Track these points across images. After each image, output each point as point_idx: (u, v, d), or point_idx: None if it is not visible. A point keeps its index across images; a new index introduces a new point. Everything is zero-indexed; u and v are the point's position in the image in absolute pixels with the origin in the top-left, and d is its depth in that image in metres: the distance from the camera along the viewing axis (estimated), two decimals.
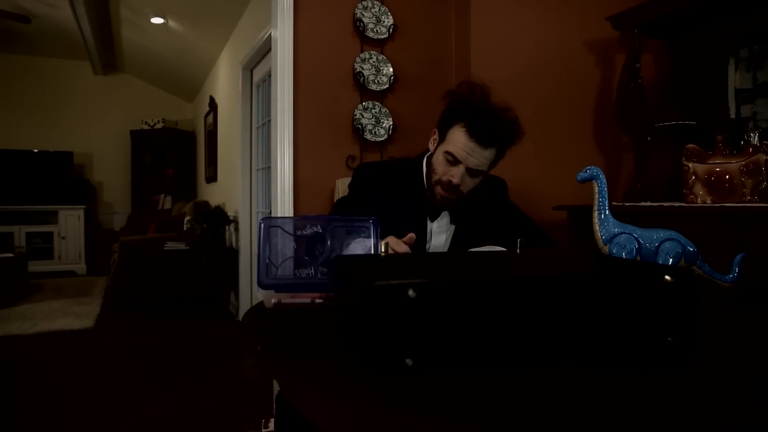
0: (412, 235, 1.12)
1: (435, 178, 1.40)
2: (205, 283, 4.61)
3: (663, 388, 0.52)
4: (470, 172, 1.36)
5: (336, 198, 2.18)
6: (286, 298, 0.89)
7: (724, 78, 2.08)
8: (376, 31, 2.34)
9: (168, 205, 6.79)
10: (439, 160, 1.39)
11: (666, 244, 0.95)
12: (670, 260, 0.95)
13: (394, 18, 2.37)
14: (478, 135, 1.32)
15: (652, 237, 0.96)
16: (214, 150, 5.52)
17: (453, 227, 1.48)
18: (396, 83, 2.37)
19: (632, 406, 0.48)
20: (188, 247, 4.55)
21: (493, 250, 1.19)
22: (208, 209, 4.78)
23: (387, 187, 1.47)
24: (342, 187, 2.08)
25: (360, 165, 1.61)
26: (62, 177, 6.53)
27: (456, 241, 1.47)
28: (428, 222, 1.46)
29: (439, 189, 1.40)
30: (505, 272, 0.71)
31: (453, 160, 1.35)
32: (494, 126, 1.32)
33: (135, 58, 6.26)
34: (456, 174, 1.35)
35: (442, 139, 1.40)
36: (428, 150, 1.49)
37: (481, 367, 0.56)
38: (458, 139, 1.34)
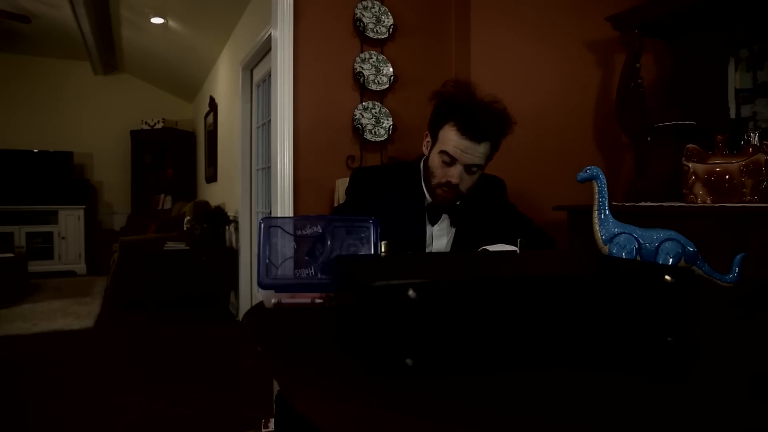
0: None
1: (434, 181, 1.39)
2: (205, 283, 4.61)
3: (663, 389, 0.52)
4: (467, 169, 1.36)
5: (336, 198, 2.18)
6: (286, 298, 0.89)
7: (724, 78, 2.08)
8: (376, 31, 2.34)
9: (168, 205, 6.78)
10: (435, 162, 1.38)
11: (666, 244, 0.95)
12: (670, 260, 0.95)
13: (394, 18, 2.37)
14: (469, 131, 1.31)
15: (652, 237, 0.96)
16: (214, 150, 5.52)
17: (454, 230, 1.48)
18: (396, 83, 2.37)
19: (633, 406, 0.48)
20: (188, 247, 4.55)
21: (505, 248, 1.18)
22: (208, 209, 4.77)
23: (385, 191, 1.46)
24: (342, 187, 2.08)
25: (356, 170, 1.61)
26: (62, 177, 6.53)
27: (457, 243, 1.46)
28: (429, 226, 1.46)
29: (440, 191, 1.39)
30: (505, 272, 0.71)
31: (449, 160, 1.35)
32: (484, 120, 1.32)
33: (135, 58, 6.26)
34: (454, 174, 1.35)
35: (434, 140, 1.40)
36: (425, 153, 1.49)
37: (481, 368, 0.56)
38: (451, 138, 1.34)
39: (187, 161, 7.02)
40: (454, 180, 1.35)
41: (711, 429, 0.44)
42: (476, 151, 1.33)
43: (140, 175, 7.09)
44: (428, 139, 1.43)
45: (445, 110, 1.37)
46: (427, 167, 1.43)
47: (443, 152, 1.35)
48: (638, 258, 0.96)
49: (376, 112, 2.34)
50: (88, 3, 4.42)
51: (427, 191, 1.44)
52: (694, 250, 0.96)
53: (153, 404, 2.45)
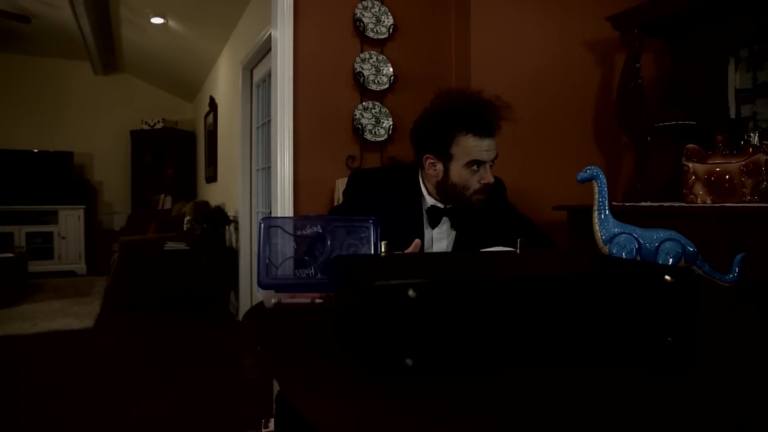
0: (417, 241, 1.12)
1: (470, 192, 1.39)
2: (205, 283, 4.61)
3: (663, 388, 0.52)
4: (491, 163, 1.41)
5: (336, 198, 2.18)
6: (286, 298, 0.89)
7: (724, 78, 2.08)
8: (376, 31, 2.34)
9: (168, 205, 6.79)
10: (463, 175, 1.38)
11: (666, 244, 0.95)
12: (670, 260, 0.95)
13: (394, 18, 2.37)
14: (484, 130, 1.35)
15: (652, 237, 0.96)
16: (214, 150, 5.52)
17: (454, 233, 1.47)
18: (396, 83, 2.37)
19: (633, 406, 0.48)
20: (188, 247, 4.55)
21: (503, 250, 1.19)
22: (208, 209, 4.77)
23: (383, 194, 1.46)
24: (342, 187, 2.08)
25: (354, 172, 1.60)
26: (62, 177, 6.53)
27: (458, 246, 1.46)
28: (429, 229, 1.46)
29: (476, 197, 1.40)
30: (505, 272, 0.71)
31: (479, 165, 1.37)
32: (489, 113, 1.36)
33: (135, 58, 6.26)
34: (488, 174, 1.38)
35: (447, 158, 1.39)
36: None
37: (481, 368, 0.56)
38: (472, 145, 1.35)
39: (187, 161, 7.02)
40: (492, 179, 1.39)
41: (711, 428, 0.44)
42: (493, 144, 1.39)
43: (140, 175, 7.09)
44: (432, 160, 1.42)
45: (447, 127, 1.37)
46: (447, 187, 1.41)
47: (471, 162, 1.36)
48: (638, 258, 0.96)
49: (376, 112, 2.34)
50: (88, 3, 4.42)
51: (462, 202, 1.43)
52: (694, 250, 0.96)
53: (153, 404, 2.45)
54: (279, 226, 0.92)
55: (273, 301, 0.89)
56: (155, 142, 6.99)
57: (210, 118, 5.69)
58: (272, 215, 2.39)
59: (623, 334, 0.60)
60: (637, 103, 2.07)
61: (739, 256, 0.98)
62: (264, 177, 3.71)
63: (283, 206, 2.22)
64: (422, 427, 0.44)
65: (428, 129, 1.41)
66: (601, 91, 2.44)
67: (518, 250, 0.95)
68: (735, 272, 0.98)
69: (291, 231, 0.92)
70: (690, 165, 1.76)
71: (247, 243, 4.02)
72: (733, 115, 2.06)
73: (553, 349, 0.59)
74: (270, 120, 2.71)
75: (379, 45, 2.36)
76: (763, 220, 1.50)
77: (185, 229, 4.77)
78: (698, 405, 0.49)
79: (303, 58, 2.24)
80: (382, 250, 0.87)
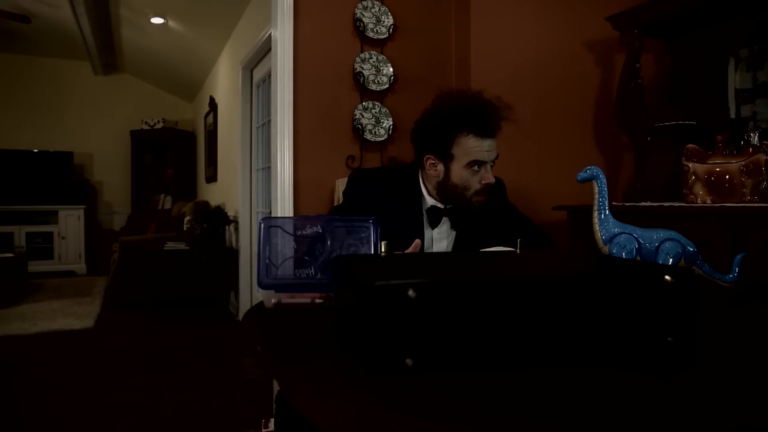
0: (417, 241, 1.12)
1: (470, 192, 1.39)
2: (205, 283, 4.61)
3: (663, 388, 0.52)
4: (492, 163, 1.40)
5: (336, 198, 2.18)
6: (286, 298, 0.89)
7: (724, 78, 2.08)
8: (376, 31, 2.34)
9: (168, 205, 6.78)
10: (464, 175, 1.38)
11: (666, 244, 0.95)
12: (670, 260, 0.95)
13: (394, 18, 2.37)
14: (485, 130, 1.35)
15: (652, 237, 0.96)
16: (214, 150, 5.52)
17: (454, 233, 1.47)
18: (396, 83, 2.37)
19: (633, 406, 0.48)
20: (188, 247, 4.55)
21: (503, 250, 1.19)
22: (208, 209, 4.77)
23: (383, 195, 1.46)
24: (342, 187, 2.08)
25: (354, 172, 1.60)
26: (62, 177, 6.53)
27: (458, 246, 1.46)
28: (429, 229, 1.46)
29: (476, 198, 1.40)
30: (505, 272, 0.71)
31: (479, 165, 1.37)
32: (490, 114, 1.36)
33: (135, 58, 6.26)
34: (489, 175, 1.38)
35: (448, 158, 1.39)
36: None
37: (481, 367, 0.56)
38: (472, 145, 1.35)
39: (187, 161, 7.02)
40: (492, 180, 1.39)
41: (711, 428, 0.44)
42: (494, 145, 1.38)
43: (140, 175, 7.09)
44: (433, 160, 1.41)
45: (447, 126, 1.37)
46: (447, 187, 1.41)
47: (471, 162, 1.36)
48: (638, 258, 0.96)
49: (376, 112, 2.34)
50: (88, 3, 4.42)
51: (462, 203, 1.42)
52: (694, 250, 0.96)
53: (153, 404, 2.45)
54: (279, 226, 0.92)
55: (273, 301, 0.89)
56: (155, 142, 6.99)
57: (210, 118, 5.69)
58: (272, 215, 2.39)
59: (623, 334, 0.60)
60: (637, 103, 2.07)
61: (739, 256, 0.98)
62: (264, 177, 3.71)
63: (283, 206, 2.22)
64: (422, 427, 0.44)
65: (429, 129, 1.41)
66: (601, 91, 2.44)
67: (518, 250, 0.95)
68: (735, 272, 0.98)
69: (291, 231, 0.92)
70: (690, 165, 1.76)
71: (247, 243, 4.02)
72: (733, 115, 2.06)
73: (553, 349, 0.59)
74: (270, 120, 2.71)
75: (379, 45, 2.36)
76: (763, 220, 1.50)
77: (185, 229, 4.77)
78: (698, 405, 0.49)
79: (303, 58, 2.24)
80: (382, 250, 0.87)
